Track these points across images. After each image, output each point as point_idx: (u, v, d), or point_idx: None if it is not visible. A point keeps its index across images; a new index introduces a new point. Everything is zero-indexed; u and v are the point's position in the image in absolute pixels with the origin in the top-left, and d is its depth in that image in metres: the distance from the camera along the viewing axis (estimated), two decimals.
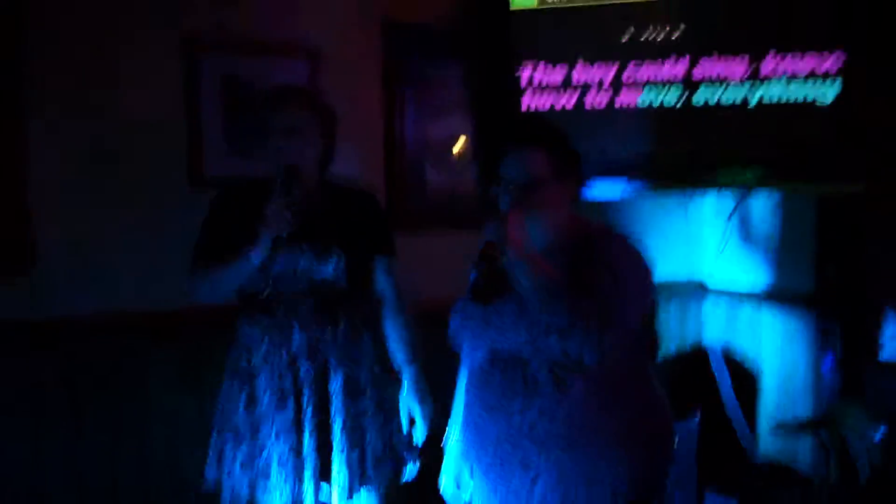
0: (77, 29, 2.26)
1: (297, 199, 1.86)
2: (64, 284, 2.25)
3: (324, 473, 1.93)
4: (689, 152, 2.59)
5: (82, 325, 2.26)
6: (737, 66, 2.50)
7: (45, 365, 2.21)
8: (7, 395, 2.16)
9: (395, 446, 2.04)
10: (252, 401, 1.95)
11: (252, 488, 1.93)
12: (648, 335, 1.68)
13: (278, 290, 1.94)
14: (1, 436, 2.16)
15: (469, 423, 1.69)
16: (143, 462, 2.32)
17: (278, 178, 1.88)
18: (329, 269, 1.95)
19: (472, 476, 1.78)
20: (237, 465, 1.94)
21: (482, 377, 1.66)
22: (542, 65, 2.61)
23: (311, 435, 1.91)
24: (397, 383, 2.06)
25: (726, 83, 2.51)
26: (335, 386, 1.95)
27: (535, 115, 2.56)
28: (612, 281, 1.52)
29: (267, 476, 1.92)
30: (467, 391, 1.72)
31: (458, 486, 1.84)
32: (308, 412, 1.92)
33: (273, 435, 1.92)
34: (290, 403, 1.92)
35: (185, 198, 2.32)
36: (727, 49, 2.50)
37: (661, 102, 2.56)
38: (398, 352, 2.07)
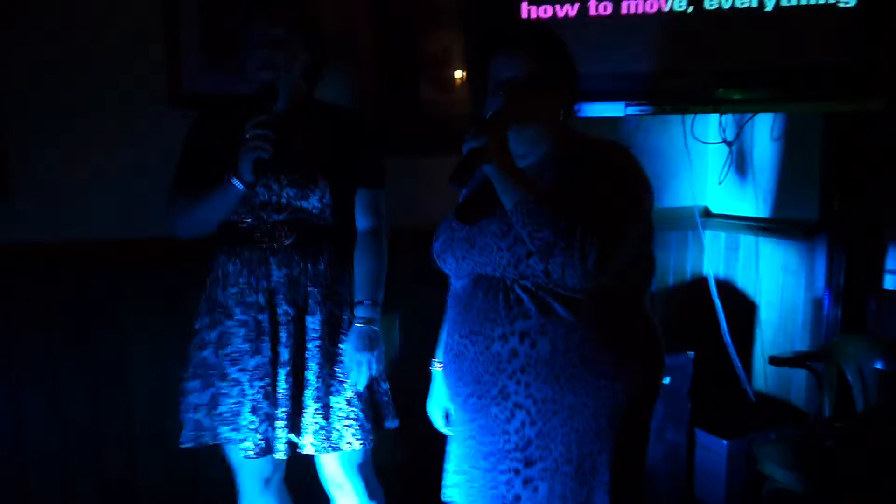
0: None
1: (276, 119, 1.71)
2: (38, 210, 2.13)
3: (296, 420, 1.82)
4: (695, 69, 2.45)
5: (56, 252, 2.15)
6: None
7: (18, 291, 2.10)
8: None
9: (378, 392, 1.93)
10: (224, 338, 1.82)
11: (219, 432, 1.82)
12: (643, 259, 1.57)
13: (259, 221, 1.80)
14: None
15: (449, 351, 1.60)
16: (122, 396, 2.24)
17: (258, 96, 1.73)
18: (314, 200, 1.81)
19: (454, 405, 1.69)
20: (203, 405, 1.83)
21: (464, 301, 1.56)
22: None
23: (286, 379, 1.80)
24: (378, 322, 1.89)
25: None
26: (313, 326, 1.83)
27: (530, 20, 2.42)
28: (603, 195, 1.42)
29: (236, 421, 1.81)
30: (449, 316, 1.63)
31: (446, 417, 1.77)
32: (284, 354, 1.80)
33: (246, 377, 1.81)
34: (266, 344, 1.79)
35: (163, 115, 2.17)
36: None
37: (671, 7, 2.39)
38: (361, 287, 1.88)
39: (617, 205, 1.42)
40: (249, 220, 1.80)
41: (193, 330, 1.88)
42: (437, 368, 1.76)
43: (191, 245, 1.87)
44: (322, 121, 1.88)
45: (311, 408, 1.83)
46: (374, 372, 1.87)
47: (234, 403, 1.82)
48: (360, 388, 1.86)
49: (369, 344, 1.84)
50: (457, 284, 1.61)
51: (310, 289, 1.82)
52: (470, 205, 1.57)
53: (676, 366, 2.66)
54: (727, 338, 2.89)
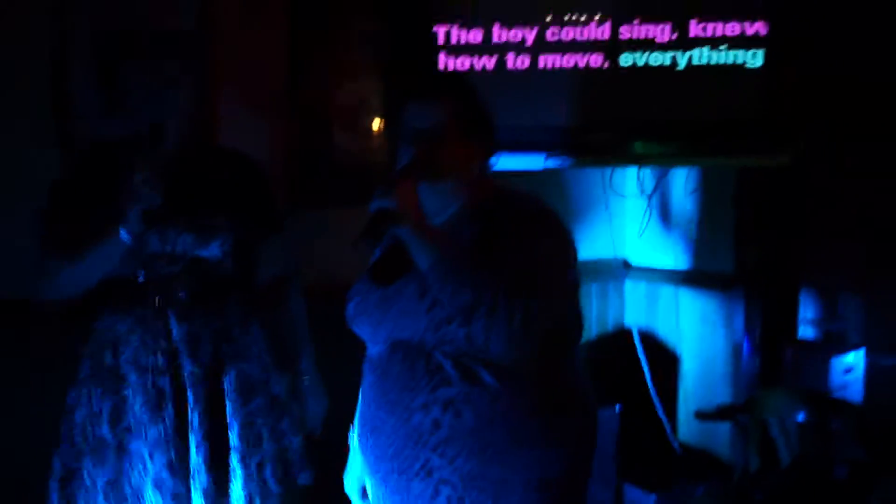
0: None
1: (166, 164, 1.56)
2: None
3: (221, 490, 1.65)
4: (613, 121, 2.46)
5: None
6: (664, 29, 2.38)
7: None
8: None
9: (289, 449, 1.78)
10: (118, 412, 1.62)
11: None
12: (570, 315, 1.48)
13: (152, 274, 1.63)
14: None
15: (365, 424, 1.47)
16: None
17: (143, 138, 1.58)
18: (214, 248, 1.66)
19: (372, 481, 1.54)
20: (100, 490, 1.61)
21: (380, 368, 1.44)
22: (456, 27, 2.43)
23: (199, 446, 1.62)
24: (289, 377, 1.80)
25: (653, 46, 2.38)
26: (227, 385, 1.67)
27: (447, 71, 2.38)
28: (525, 251, 1.33)
29: (141, 501, 1.61)
30: (364, 385, 1.50)
31: (363, 492, 1.62)
32: (195, 419, 1.62)
33: (146, 451, 1.61)
34: (169, 411, 1.61)
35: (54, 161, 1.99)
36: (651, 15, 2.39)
37: (587, 63, 2.40)
38: (289, 341, 1.80)
39: (540, 261, 1.34)
40: (143, 274, 1.63)
41: (68, 407, 1.67)
42: (354, 443, 1.61)
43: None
44: (213, 164, 1.75)
45: (238, 475, 1.66)
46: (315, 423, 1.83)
47: (136, 481, 1.62)
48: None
49: (321, 392, 1.84)
50: (372, 350, 1.49)
51: (218, 345, 1.67)
52: (385, 264, 1.46)
53: (602, 421, 2.59)
54: (652, 390, 2.86)
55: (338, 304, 1.60)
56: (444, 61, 2.45)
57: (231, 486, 1.67)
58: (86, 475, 1.62)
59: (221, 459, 1.65)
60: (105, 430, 1.62)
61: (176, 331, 1.63)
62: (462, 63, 2.44)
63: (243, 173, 1.78)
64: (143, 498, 1.61)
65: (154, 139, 1.60)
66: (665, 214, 3.03)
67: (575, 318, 1.50)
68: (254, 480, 1.69)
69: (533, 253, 1.33)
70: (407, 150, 1.41)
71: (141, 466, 1.62)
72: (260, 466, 1.71)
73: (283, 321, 1.81)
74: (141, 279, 1.63)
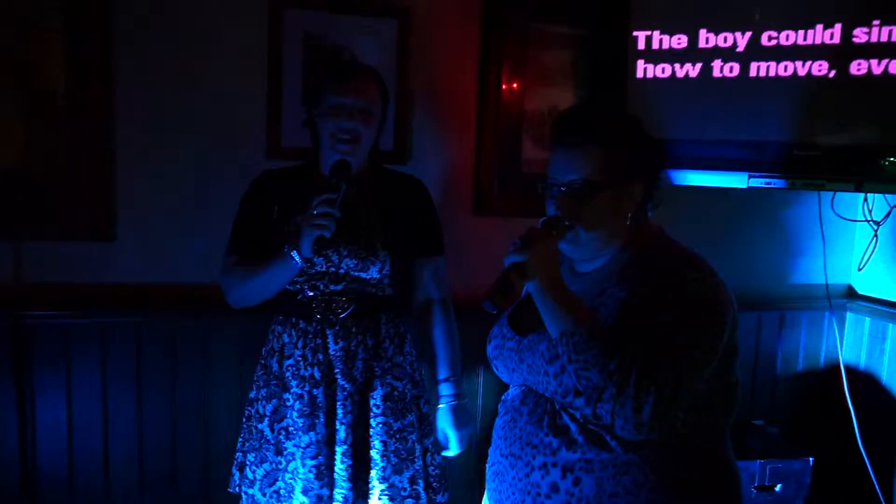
0: None
1: (347, 196, 1.65)
2: (141, 254, 2.23)
3: (357, 500, 1.75)
4: (832, 142, 2.14)
5: (154, 295, 2.24)
6: None
7: (116, 332, 2.21)
8: (80, 357, 2.19)
9: (431, 466, 1.85)
10: (279, 412, 1.78)
11: None
12: (721, 392, 1.32)
13: (316, 291, 1.76)
14: (73, 396, 2.20)
15: (491, 466, 1.44)
16: (201, 432, 2.29)
17: (329, 171, 1.69)
18: (374, 271, 1.75)
19: None
20: (258, 480, 1.80)
21: (510, 413, 1.40)
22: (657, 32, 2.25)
23: (344, 456, 1.73)
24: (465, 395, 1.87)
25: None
26: (375, 402, 1.76)
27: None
28: (670, 326, 1.20)
29: (291, 498, 1.76)
30: (497, 424, 1.46)
31: None
32: (342, 432, 1.73)
33: (299, 454, 1.75)
34: (321, 420, 1.73)
35: (261, 169, 2.17)
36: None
37: (809, 71, 2.11)
38: (439, 365, 1.85)
39: (685, 340, 1.19)
40: (306, 290, 1.76)
41: (249, 400, 1.87)
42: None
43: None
44: (382, 190, 1.82)
45: (377, 488, 1.76)
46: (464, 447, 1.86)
47: (290, 479, 1.78)
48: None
49: (465, 419, 1.84)
50: (509, 391, 1.46)
51: (370, 362, 1.77)
52: (523, 311, 1.41)
53: (791, 471, 2.34)
54: (860, 441, 2.50)
55: None
56: (643, 68, 2.31)
57: (369, 498, 1.76)
58: (247, 468, 1.82)
59: (363, 472, 1.75)
60: (267, 429, 1.79)
61: (332, 347, 1.75)
62: (662, 70, 2.28)
63: (411, 197, 1.84)
64: (292, 496, 1.76)
65: (339, 173, 1.69)
66: None
67: (728, 394, 1.33)
68: (395, 497, 1.77)
69: (678, 330, 1.20)
70: (549, 203, 1.34)
71: (293, 467, 1.76)
72: (412, 481, 1.79)
73: (436, 341, 1.86)
74: (303, 296, 1.76)
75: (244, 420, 1.87)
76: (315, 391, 1.75)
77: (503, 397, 1.47)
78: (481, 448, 1.71)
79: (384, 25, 2.30)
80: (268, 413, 1.79)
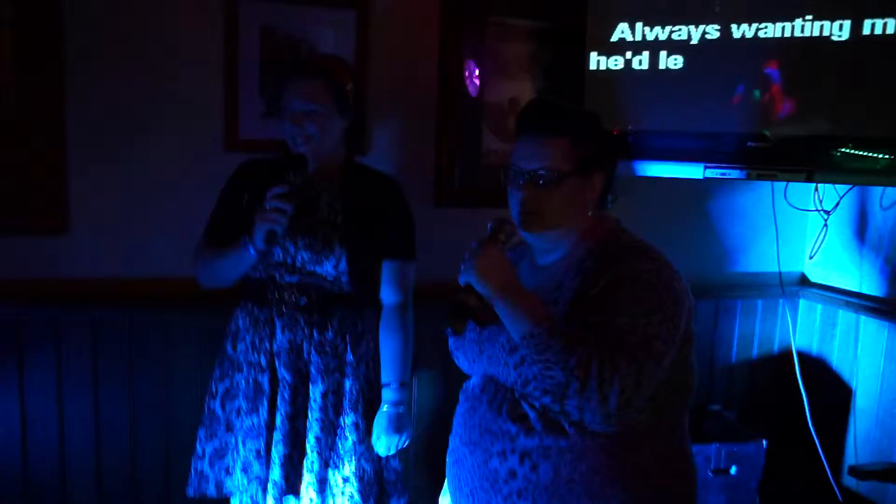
0: None
1: (300, 192, 1.66)
2: (94, 248, 2.19)
3: (290, 486, 1.76)
4: (783, 132, 2.19)
5: (109, 289, 2.21)
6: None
7: (72, 327, 2.17)
8: (33, 353, 2.15)
9: (389, 474, 1.86)
10: (230, 393, 1.82)
11: (218, 485, 1.81)
12: (679, 379, 1.33)
13: (272, 281, 1.77)
14: (26, 393, 2.15)
15: (451, 454, 1.46)
16: (160, 424, 2.26)
17: (286, 165, 1.70)
18: (328, 266, 1.75)
19: None
20: (208, 455, 1.83)
21: (470, 401, 1.42)
22: (626, 25, 2.28)
23: (279, 444, 1.75)
24: (405, 403, 1.84)
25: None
26: (314, 396, 1.76)
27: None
28: (625, 315, 1.22)
29: (231, 475, 1.80)
30: (456, 413, 1.47)
31: None
32: (278, 418, 1.75)
33: (241, 435, 1.79)
34: (264, 405, 1.76)
35: (220, 161, 2.13)
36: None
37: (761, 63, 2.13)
38: (388, 369, 1.83)
39: (642, 329, 1.21)
40: (264, 279, 1.78)
41: (213, 375, 1.88)
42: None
43: (235, 288, 1.86)
44: (352, 187, 1.82)
45: (305, 479, 1.78)
46: (391, 451, 1.82)
47: (233, 459, 1.81)
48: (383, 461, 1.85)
49: (397, 427, 1.81)
50: (469, 380, 1.48)
51: (313, 357, 1.77)
52: (483, 303, 1.37)
53: (745, 454, 2.40)
54: (811, 424, 2.58)
55: None
56: (597, 60, 2.33)
57: (300, 486, 1.77)
58: (197, 443, 1.84)
59: (296, 461, 1.77)
60: (218, 407, 1.82)
61: (279, 337, 1.76)
62: (615, 62, 2.31)
63: (384, 197, 1.83)
64: (232, 473, 1.79)
65: (293, 166, 1.70)
66: (851, 231, 2.68)
67: (684, 380, 1.35)
68: (325, 491, 1.78)
69: (635, 318, 1.21)
70: (513, 192, 1.36)
71: (236, 446, 1.80)
72: (333, 479, 1.79)
73: (383, 345, 1.85)
74: (260, 282, 1.78)
75: (206, 396, 1.88)
76: (260, 378, 1.77)
77: (464, 386, 1.49)
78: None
79: (342, 17, 2.29)
80: (220, 392, 1.83)
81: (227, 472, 1.81)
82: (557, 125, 1.34)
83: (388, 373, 1.82)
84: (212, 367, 1.90)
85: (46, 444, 2.17)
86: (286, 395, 1.75)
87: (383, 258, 1.82)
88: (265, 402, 1.76)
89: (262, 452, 1.75)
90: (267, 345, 1.76)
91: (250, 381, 1.78)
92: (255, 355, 1.78)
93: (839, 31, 2.08)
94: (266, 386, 1.76)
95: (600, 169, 1.37)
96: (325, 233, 1.76)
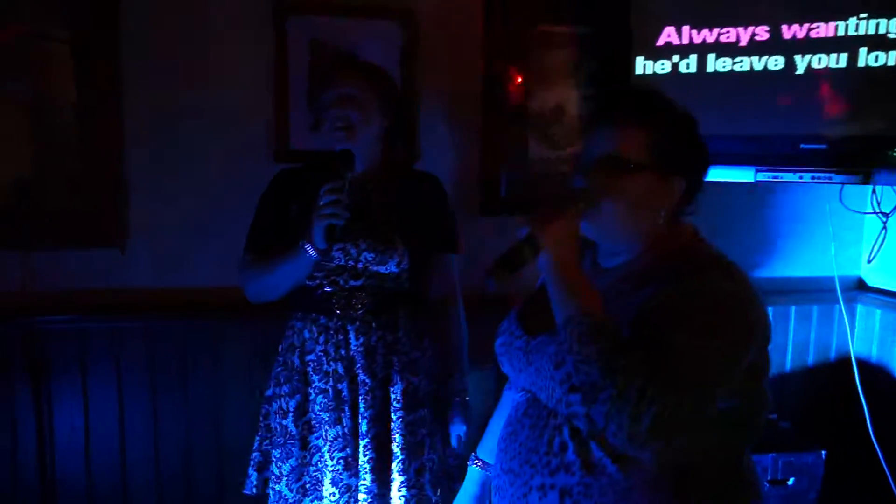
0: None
1: (352, 184, 1.67)
2: (152, 259, 2.26)
3: (383, 491, 1.78)
4: (840, 134, 2.14)
5: (164, 299, 2.27)
6: None
7: (129, 336, 2.24)
8: (94, 361, 2.22)
9: (449, 462, 1.88)
10: (302, 407, 1.81)
11: (300, 501, 1.81)
12: (745, 408, 1.18)
13: (335, 287, 1.77)
14: (90, 402, 2.23)
15: (496, 472, 1.36)
16: (213, 435, 2.31)
17: (334, 160, 1.71)
18: (392, 265, 1.76)
19: None
20: (285, 476, 1.81)
21: (513, 423, 1.32)
22: (672, 29, 2.25)
23: (366, 449, 1.75)
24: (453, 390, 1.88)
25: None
26: (396, 396, 1.78)
27: (646, 85, 2.14)
28: (688, 334, 1.08)
29: (318, 491, 1.79)
30: (500, 436, 1.37)
31: None
32: (364, 424, 1.76)
33: (326, 448, 1.77)
34: (347, 413, 1.76)
35: (270, 173, 2.15)
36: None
37: (810, 64, 2.11)
38: (450, 360, 1.87)
39: (702, 350, 1.07)
40: (325, 286, 1.78)
41: (266, 398, 1.88)
42: (474, 466, 1.53)
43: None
44: (399, 184, 1.84)
45: (397, 480, 1.78)
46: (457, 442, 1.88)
47: (315, 472, 1.81)
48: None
49: (467, 416, 1.86)
50: (515, 393, 1.38)
51: (390, 357, 1.78)
52: (534, 307, 1.33)
53: (803, 465, 2.34)
54: (872, 434, 2.49)
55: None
56: (643, 64, 2.31)
57: (391, 488, 1.78)
58: (273, 464, 1.83)
59: (385, 464, 1.77)
60: (291, 424, 1.81)
61: (353, 342, 1.77)
62: (661, 66, 2.28)
63: (428, 193, 1.86)
64: (321, 487, 1.79)
65: (342, 161, 1.71)
66: None
67: (751, 412, 1.20)
68: (413, 487, 1.79)
69: (694, 338, 1.07)
70: (578, 178, 1.24)
71: (319, 459, 1.79)
72: (418, 473, 1.80)
73: (450, 337, 1.88)
74: (322, 291, 1.78)
75: (261, 419, 1.88)
76: (339, 385, 1.77)
77: (512, 399, 1.39)
78: None
79: (388, 29, 2.32)
80: (291, 409, 1.81)
81: (304, 490, 1.80)
82: (637, 113, 1.21)
83: (450, 364, 1.86)
84: (263, 375, 1.92)
85: (108, 452, 2.24)
86: (369, 400, 1.76)
87: (435, 252, 1.85)
88: (347, 410, 1.76)
89: (351, 461, 1.76)
90: (343, 352, 1.77)
91: (329, 391, 1.77)
92: (331, 364, 1.78)
93: (895, 28, 2.04)
94: (346, 394, 1.76)
95: (682, 174, 1.22)
96: (385, 232, 1.77)
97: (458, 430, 1.86)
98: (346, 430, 1.76)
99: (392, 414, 1.78)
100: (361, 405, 1.76)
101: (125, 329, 2.24)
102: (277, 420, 1.84)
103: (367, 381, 1.76)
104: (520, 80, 2.44)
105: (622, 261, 1.27)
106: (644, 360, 1.05)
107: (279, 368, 1.87)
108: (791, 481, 2.32)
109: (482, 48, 2.41)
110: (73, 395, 2.20)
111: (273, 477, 1.84)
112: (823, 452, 2.34)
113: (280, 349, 1.89)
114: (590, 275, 1.29)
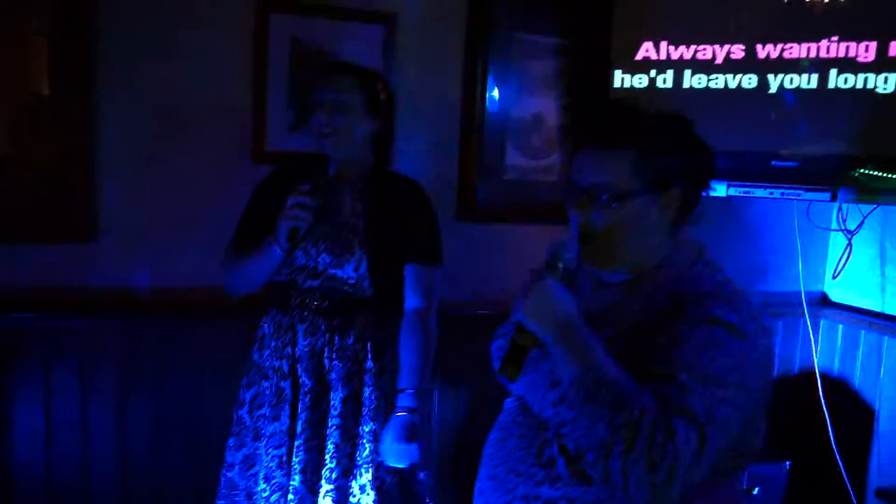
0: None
1: (324, 188, 1.68)
2: (123, 256, 2.21)
3: (310, 494, 1.75)
4: (808, 151, 2.20)
5: (137, 298, 2.23)
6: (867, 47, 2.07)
7: (100, 335, 2.18)
8: (61, 360, 2.16)
9: (383, 476, 1.80)
10: (255, 401, 1.82)
11: (249, 494, 1.81)
12: (744, 440, 1.15)
13: (294, 285, 1.78)
14: (52, 400, 2.17)
15: (480, 479, 1.34)
16: (190, 436, 2.27)
17: (309, 166, 1.73)
18: (349, 269, 1.76)
19: None
20: (237, 464, 1.83)
21: (501, 431, 1.31)
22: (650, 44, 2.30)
23: (298, 450, 1.74)
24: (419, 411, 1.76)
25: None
26: (334, 403, 1.75)
27: (627, 101, 2.19)
28: (694, 382, 1.03)
29: (256, 483, 1.79)
30: (487, 440, 1.36)
31: None
32: (299, 425, 1.74)
33: (263, 443, 1.79)
34: (285, 412, 1.76)
35: (247, 172, 2.13)
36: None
37: (782, 84, 2.17)
38: (405, 374, 1.75)
39: (714, 392, 1.04)
40: (286, 283, 1.79)
41: (238, 387, 1.88)
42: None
43: (263, 295, 1.86)
44: (377, 190, 1.82)
45: (323, 488, 1.76)
46: (413, 462, 1.76)
47: (256, 467, 1.81)
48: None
49: (410, 435, 1.71)
50: (508, 400, 1.37)
51: (334, 363, 1.76)
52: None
53: (768, 476, 2.38)
54: (834, 445, 2.55)
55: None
56: (621, 78, 2.35)
57: (319, 493, 1.75)
58: (227, 451, 1.84)
59: (316, 467, 1.75)
60: (246, 415, 1.82)
61: (300, 343, 1.76)
62: (639, 80, 2.32)
63: (409, 202, 1.83)
64: (258, 482, 1.79)
65: (317, 166, 1.72)
66: (876, 252, 2.67)
67: (749, 440, 1.18)
68: (343, 500, 1.75)
69: (706, 380, 1.04)
70: (570, 212, 1.20)
71: (262, 453, 1.79)
72: (350, 488, 1.76)
73: (402, 349, 1.79)
74: (283, 287, 1.79)
75: (235, 403, 1.88)
76: (282, 383, 1.78)
77: (505, 402, 1.38)
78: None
79: (370, 31, 2.32)
80: (247, 399, 1.83)
81: (256, 479, 1.80)
82: (621, 135, 1.18)
83: (404, 378, 1.75)
84: (240, 376, 1.90)
85: (70, 452, 2.18)
86: (307, 402, 1.74)
87: (406, 262, 1.79)
88: (287, 409, 1.76)
89: (285, 460, 1.75)
90: (289, 350, 1.77)
91: (273, 387, 1.78)
92: (278, 361, 1.78)
93: (865, 52, 2.10)
94: (288, 392, 1.76)
95: (677, 184, 1.18)
96: (346, 235, 1.77)
97: (393, 448, 1.71)
98: (283, 427, 1.76)
99: (329, 420, 1.75)
100: (300, 406, 1.75)
101: (94, 327, 2.18)
102: (235, 409, 1.86)
103: (307, 382, 1.76)
104: (500, 87, 2.46)
105: (625, 278, 1.23)
106: (649, 409, 1.02)
107: (248, 359, 1.88)
108: (756, 491, 2.36)
109: (463, 54, 2.42)
110: (33, 394, 2.14)
111: (226, 465, 1.84)
112: (787, 463, 2.39)
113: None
114: (590, 291, 1.27)
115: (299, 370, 1.76)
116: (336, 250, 1.75)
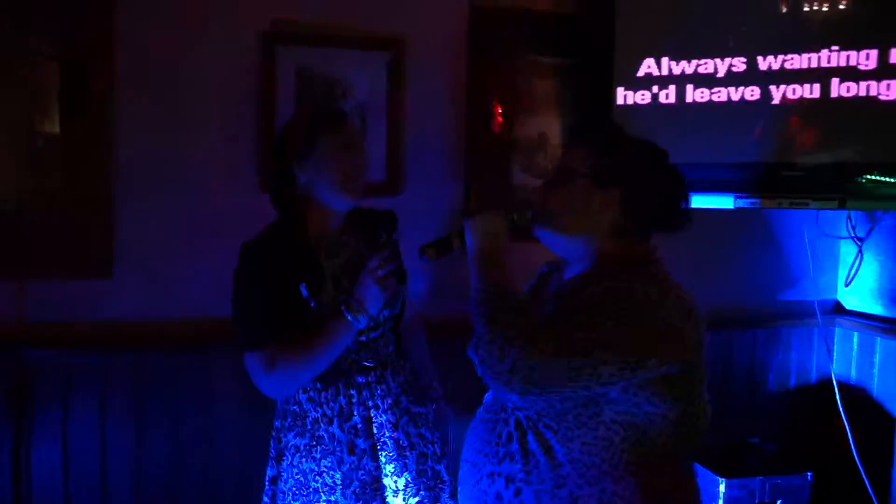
0: (164, 28, 2.21)
1: (396, 248, 1.71)
2: (137, 290, 2.23)
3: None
4: (816, 161, 2.20)
5: (151, 331, 2.24)
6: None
7: (116, 369, 2.20)
8: (77, 395, 2.18)
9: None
10: (348, 477, 1.68)
11: None
12: (674, 417, 1.26)
13: (359, 344, 1.69)
14: (69, 434, 2.18)
15: (460, 466, 1.46)
16: (205, 480, 2.27)
17: (377, 229, 1.72)
18: (398, 306, 1.76)
19: None
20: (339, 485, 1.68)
21: (475, 420, 1.44)
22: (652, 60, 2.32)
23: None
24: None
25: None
26: (385, 458, 1.71)
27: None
28: (579, 319, 1.23)
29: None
30: (467, 431, 1.48)
31: None
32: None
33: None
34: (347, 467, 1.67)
35: (255, 204, 2.05)
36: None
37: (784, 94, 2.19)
38: (426, 371, 1.87)
39: (592, 331, 1.20)
40: (358, 351, 1.70)
41: (279, 477, 1.73)
42: None
43: None
44: (368, 226, 1.79)
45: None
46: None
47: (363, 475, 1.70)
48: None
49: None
50: (487, 393, 1.47)
51: (382, 419, 1.72)
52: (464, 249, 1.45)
53: (790, 487, 2.36)
54: (855, 454, 2.53)
55: None
56: (623, 94, 2.37)
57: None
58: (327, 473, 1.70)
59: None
60: (336, 429, 1.69)
61: (356, 415, 1.69)
62: (642, 96, 2.34)
63: (391, 231, 1.80)
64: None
65: (387, 224, 1.77)
66: (887, 258, 2.66)
67: (681, 418, 1.27)
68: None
69: (591, 318, 1.22)
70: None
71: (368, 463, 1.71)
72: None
73: (421, 355, 1.89)
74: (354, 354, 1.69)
75: (276, 456, 1.73)
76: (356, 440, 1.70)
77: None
78: None
79: (375, 58, 2.35)
80: (335, 414, 1.68)
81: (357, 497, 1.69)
82: (583, 134, 1.45)
83: (425, 375, 1.87)
84: (254, 409, 1.89)
85: (88, 484, 2.19)
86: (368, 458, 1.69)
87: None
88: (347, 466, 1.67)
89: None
90: (342, 421, 1.67)
91: (387, 442, 1.72)
92: (336, 428, 1.67)
93: (866, 60, 2.12)
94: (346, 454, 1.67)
95: (618, 184, 1.32)
96: (394, 281, 1.70)
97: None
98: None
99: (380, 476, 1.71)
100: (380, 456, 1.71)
101: (110, 361, 2.20)
102: (324, 427, 1.67)
103: (364, 444, 1.67)
104: (504, 108, 2.48)
105: (577, 272, 1.39)
106: (524, 323, 1.23)
107: (310, 443, 1.69)
108: (779, 503, 2.34)
109: (467, 77, 2.45)
110: (52, 430, 2.16)
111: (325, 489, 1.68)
112: (809, 474, 2.37)
113: (308, 424, 1.69)
114: (556, 285, 1.45)
115: (357, 441, 1.68)
116: (391, 299, 1.68)
